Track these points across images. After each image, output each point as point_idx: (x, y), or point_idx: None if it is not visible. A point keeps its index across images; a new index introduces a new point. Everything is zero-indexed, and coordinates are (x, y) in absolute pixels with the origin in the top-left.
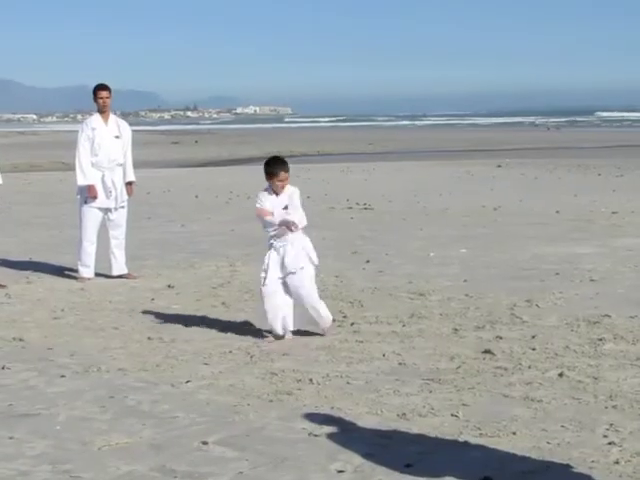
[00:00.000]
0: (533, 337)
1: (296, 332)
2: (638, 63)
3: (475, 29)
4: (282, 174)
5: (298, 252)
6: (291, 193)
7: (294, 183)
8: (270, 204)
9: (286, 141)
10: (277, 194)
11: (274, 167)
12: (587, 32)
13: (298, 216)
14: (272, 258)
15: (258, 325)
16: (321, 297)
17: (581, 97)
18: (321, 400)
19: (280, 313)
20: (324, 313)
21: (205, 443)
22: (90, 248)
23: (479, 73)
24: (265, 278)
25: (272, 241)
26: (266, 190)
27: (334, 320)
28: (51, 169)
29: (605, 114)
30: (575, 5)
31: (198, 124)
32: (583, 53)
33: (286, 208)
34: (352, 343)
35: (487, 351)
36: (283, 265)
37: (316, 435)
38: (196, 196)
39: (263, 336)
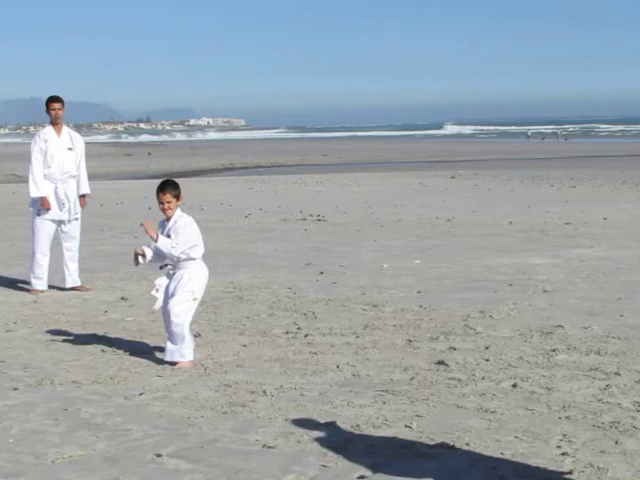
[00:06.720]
0: (487, 348)
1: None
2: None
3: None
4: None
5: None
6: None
7: (248, 195)
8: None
9: (239, 153)
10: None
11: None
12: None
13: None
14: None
15: (212, 337)
16: (274, 308)
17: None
18: (275, 412)
19: None
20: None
21: (159, 455)
22: (43, 260)
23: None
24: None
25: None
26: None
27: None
28: (3, 181)
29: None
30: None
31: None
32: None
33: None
34: (306, 355)
35: (441, 362)
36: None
37: (270, 447)
38: (149, 208)
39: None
